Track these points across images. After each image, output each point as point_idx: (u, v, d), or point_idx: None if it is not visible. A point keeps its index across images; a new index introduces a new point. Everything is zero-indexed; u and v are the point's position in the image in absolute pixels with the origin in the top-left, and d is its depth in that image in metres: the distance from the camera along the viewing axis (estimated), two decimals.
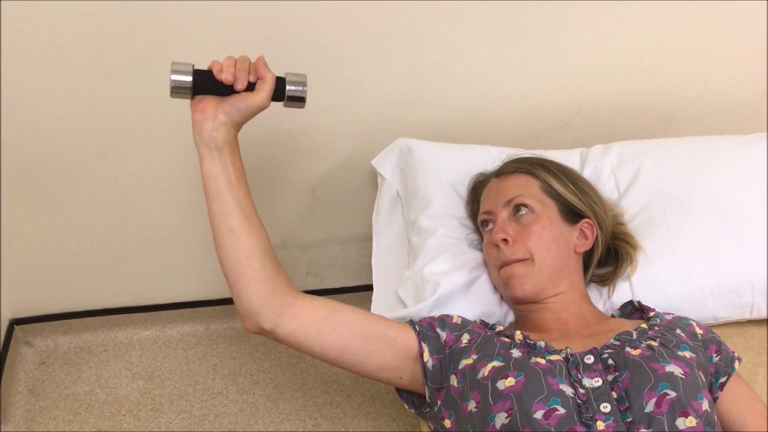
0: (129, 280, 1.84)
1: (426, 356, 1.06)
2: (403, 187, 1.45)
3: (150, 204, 1.65)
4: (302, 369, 1.87)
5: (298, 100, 1.04)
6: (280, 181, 1.64)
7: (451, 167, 1.42)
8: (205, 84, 0.99)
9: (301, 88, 1.03)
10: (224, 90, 1.00)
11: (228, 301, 1.90)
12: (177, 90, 0.98)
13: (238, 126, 1.02)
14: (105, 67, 1.36)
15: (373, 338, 1.06)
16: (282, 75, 1.03)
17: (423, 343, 1.07)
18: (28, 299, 1.85)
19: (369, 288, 1.40)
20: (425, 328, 1.10)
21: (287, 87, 1.02)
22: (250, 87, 1.00)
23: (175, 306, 1.93)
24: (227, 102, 1.00)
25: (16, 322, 1.89)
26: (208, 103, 1.00)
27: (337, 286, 1.96)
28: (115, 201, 1.63)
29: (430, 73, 1.46)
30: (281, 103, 1.05)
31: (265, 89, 0.99)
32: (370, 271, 1.42)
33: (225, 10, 1.29)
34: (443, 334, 1.09)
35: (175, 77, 0.97)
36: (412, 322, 1.11)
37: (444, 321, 1.12)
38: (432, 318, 1.13)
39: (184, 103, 1.43)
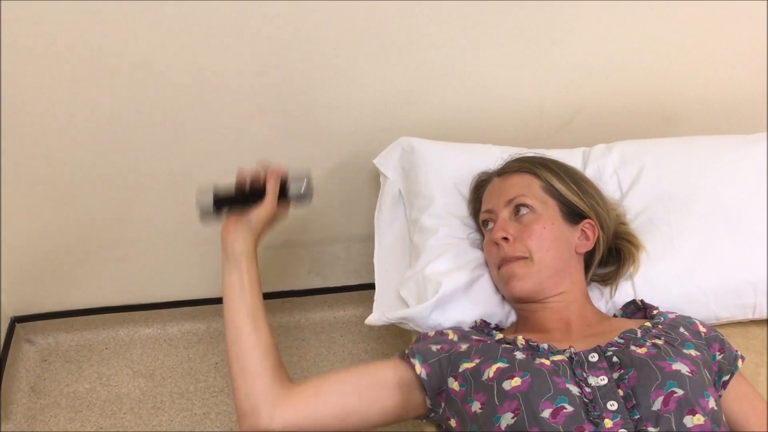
0: (130, 278, 1.84)
1: (418, 368, 1.06)
2: (405, 186, 1.45)
3: (151, 203, 1.65)
4: (303, 368, 1.88)
5: (302, 198, 1.16)
6: None
7: (453, 166, 1.41)
8: (226, 202, 1.14)
9: (300, 186, 1.15)
10: (240, 205, 1.13)
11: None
12: (204, 215, 1.15)
13: (256, 235, 1.14)
14: (107, 66, 1.36)
15: (366, 388, 1.07)
16: (287, 176, 1.16)
17: (412, 360, 1.08)
18: (29, 297, 1.85)
19: (370, 287, 1.40)
20: (415, 348, 1.10)
21: (288, 191, 1.16)
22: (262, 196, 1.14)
23: (176, 304, 1.93)
24: (246, 215, 1.13)
25: (17, 320, 1.89)
26: (232, 220, 1.14)
27: (338, 284, 1.96)
28: (117, 199, 1.63)
29: (431, 72, 1.46)
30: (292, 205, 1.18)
31: (268, 197, 1.13)
32: (372, 269, 1.42)
33: (226, 10, 1.29)
34: (437, 346, 1.10)
35: (201, 203, 1.14)
36: (401, 354, 1.11)
37: (438, 339, 1.13)
38: (426, 337, 1.14)
39: (185, 106, 1.44)
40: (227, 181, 1.16)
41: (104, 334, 1.95)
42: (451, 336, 1.13)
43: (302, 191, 1.15)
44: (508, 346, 1.07)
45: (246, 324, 1.08)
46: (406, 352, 1.10)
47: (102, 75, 1.37)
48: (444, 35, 1.40)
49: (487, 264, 1.27)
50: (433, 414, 1.10)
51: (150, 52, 1.35)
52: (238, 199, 1.13)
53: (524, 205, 1.18)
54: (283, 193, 1.15)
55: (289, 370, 1.82)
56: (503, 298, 1.27)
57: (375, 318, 1.27)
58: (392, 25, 1.36)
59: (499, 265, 1.19)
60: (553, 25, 1.42)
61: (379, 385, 1.07)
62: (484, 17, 1.37)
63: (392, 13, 1.34)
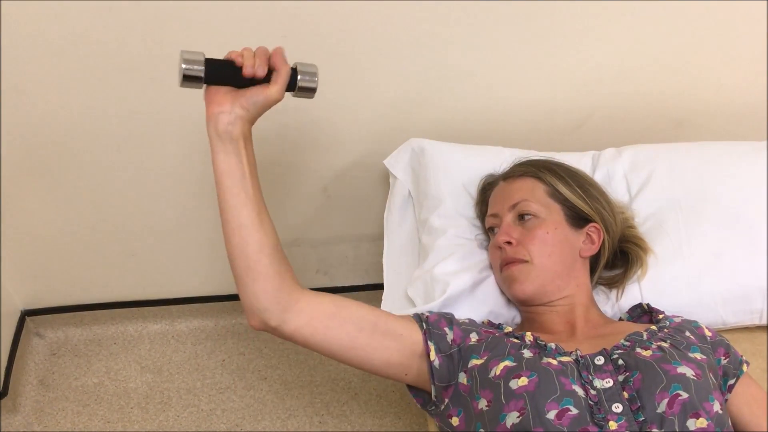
0: (140, 274, 1.85)
1: (432, 355, 1.06)
2: (415, 187, 1.45)
3: (162, 198, 1.66)
4: (310, 366, 1.88)
5: (309, 91, 1.03)
6: (292, 178, 1.65)
7: (463, 168, 1.42)
8: (218, 73, 0.97)
9: (311, 79, 1.02)
10: (238, 80, 0.98)
11: (237, 297, 1.90)
12: (188, 78, 0.95)
13: (253, 120, 1.00)
14: (121, 62, 1.37)
15: (380, 333, 1.05)
16: (292, 65, 1.02)
17: (429, 342, 1.07)
18: (39, 291, 1.86)
19: (379, 287, 1.40)
20: (431, 325, 1.09)
21: (298, 77, 1.01)
22: (266, 79, 0.98)
23: (184, 301, 1.94)
24: (244, 95, 0.97)
25: (27, 313, 1.90)
26: (225, 96, 0.98)
27: (346, 284, 1.96)
28: (128, 195, 1.64)
29: (442, 73, 1.46)
30: (290, 94, 1.04)
31: (280, 81, 0.97)
32: (380, 269, 1.42)
33: (243, 7, 1.30)
34: (450, 333, 1.09)
35: (186, 66, 0.94)
36: (419, 318, 1.10)
37: (451, 319, 1.13)
38: (440, 314, 1.13)
39: (197, 98, 1.44)
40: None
41: (113, 329, 1.96)
42: (463, 318, 1.14)
43: (315, 83, 1.03)
44: (516, 341, 1.07)
45: (251, 219, 0.98)
46: (424, 326, 1.08)
47: (117, 69, 1.38)
48: (456, 37, 1.40)
49: (491, 266, 1.28)
50: (433, 407, 1.10)
51: (166, 48, 1.36)
52: (235, 75, 0.97)
53: (528, 210, 1.19)
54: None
55: (295, 369, 1.85)
56: (509, 299, 1.27)
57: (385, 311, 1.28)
58: (404, 26, 1.37)
59: (501, 268, 1.20)
60: (567, 29, 1.42)
61: (393, 337, 1.06)
62: (497, 19, 1.38)
63: (404, 14, 1.35)
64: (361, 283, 1.96)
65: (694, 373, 0.98)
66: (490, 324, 1.19)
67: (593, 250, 1.21)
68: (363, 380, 1.83)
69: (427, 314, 1.12)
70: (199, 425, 1.75)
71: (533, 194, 1.21)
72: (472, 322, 1.14)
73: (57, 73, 1.38)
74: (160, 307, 1.95)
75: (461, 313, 1.23)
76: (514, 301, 1.23)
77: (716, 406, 0.96)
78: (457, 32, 1.39)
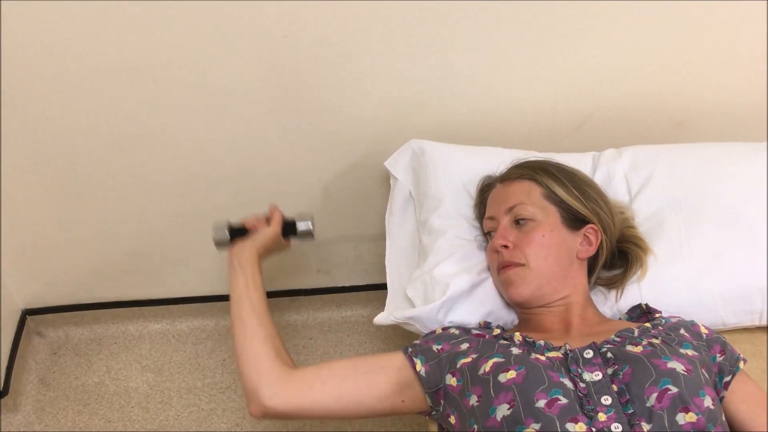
0: (141, 273, 1.86)
1: (419, 367, 1.09)
2: (416, 187, 1.46)
3: (163, 199, 1.66)
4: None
5: (307, 235, 1.38)
6: (293, 178, 1.65)
7: (463, 169, 1.42)
8: (236, 234, 1.35)
9: (306, 226, 1.37)
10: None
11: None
12: (219, 244, 1.36)
13: (259, 251, 1.28)
14: (123, 64, 1.37)
15: (362, 374, 1.10)
16: (290, 218, 1.38)
17: (414, 358, 1.10)
18: (40, 290, 1.87)
19: (379, 287, 1.41)
20: (418, 347, 1.12)
21: (297, 225, 1.38)
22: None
23: (185, 300, 1.95)
24: (251, 236, 1.32)
25: (28, 313, 1.91)
26: (239, 241, 1.31)
27: (347, 284, 1.97)
28: (130, 195, 1.64)
29: (443, 74, 1.47)
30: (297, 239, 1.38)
31: (274, 223, 1.34)
32: (381, 269, 1.43)
33: (244, 8, 1.30)
34: (437, 346, 1.12)
35: (217, 234, 1.35)
36: (404, 349, 1.14)
37: (440, 336, 1.15)
38: (428, 338, 1.15)
39: (199, 104, 1.45)
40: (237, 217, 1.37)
41: (114, 329, 1.96)
42: (453, 330, 1.16)
43: (310, 228, 1.37)
44: (505, 342, 1.09)
45: (250, 317, 1.17)
46: (410, 350, 1.12)
47: (120, 71, 1.38)
48: (456, 37, 1.40)
49: (489, 268, 1.28)
50: (434, 412, 1.11)
51: (169, 50, 1.36)
52: (246, 231, 1.34)
53: (524, 213, 1.19)
54: (289, 229, 1.37)
55: None
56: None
57: (383, 317, 1.29)
58: (404, 26, 1.37)
59: (498, 271, 1.20)
60: (567, 29, 1.42)
61: (376, 373, 1.10)
62: (497, 20, 1.38)
63: (404, 14, 1.35)
64: (361, 283, 1.96)
65: (684, 368, 0.99)
66: (481, 326, 1.20)
67: (591, 251, 1.21)
68: None
69: (415, 342, 1.15)
70: (200, 425, 1.76)
71: (529, 197, 1.21)
72: (462, 331, 1.16)
73: (57, 73, 1.38)
74: (161, 306, 1.95)
75: (460, 315, 1.24)
76: (512, 303, 1.23)
77: (707, 402, 0.97)
78: (457, 33, 1.40)
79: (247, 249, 1.27)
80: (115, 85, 1.41)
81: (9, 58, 1.34)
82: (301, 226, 1.37)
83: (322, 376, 1.10)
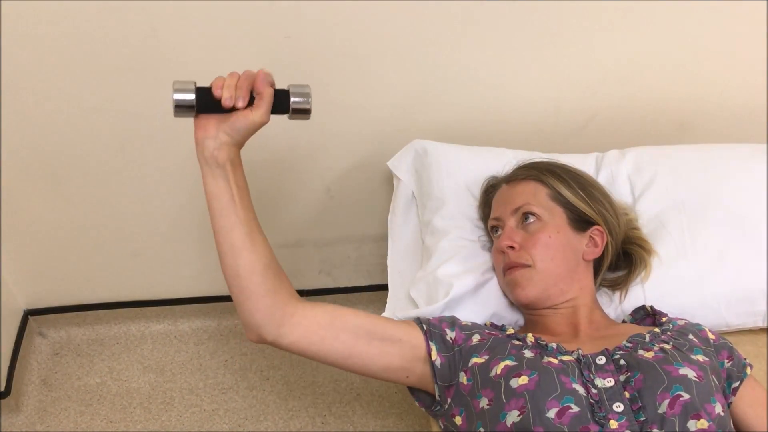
0: (143, 273, 1.85)
1: (434, 355, 1.07)
2: (418, 188, 1.45)
3: (166, 199, 1.66)
4: (312, 366, 1.88)
5: (303, 112, 1.01)
6: (295, 179, 1.65)
7: (466, 169, 1.42)
8: (209, 102, 0.97)
9: (304, 100, 1.00)
10: (226, 108, 0.97)
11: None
12: (180, 109, 0.97)
13: (240, 144, 1.00)
14: (125, 62, 1.37)
15: (377, 340, 1.07)
16: (285, 87, 1.01)
17: (430, 342, 1.08)
18: (42, 290, 1.86)
19: (381, 288, 1.41)
20: (433, 326, 1.11)
21: (291, 99, 1.00)
22: (251, 103, 0.97)
23: (187, 301, 1.94)
24: (228, 121, 0.97)
25: (30, 313, 1.90)
26: (209, 121, 0.98)
27: (349, 285, 1.96)
28: (132, 195, 1.64)
29: (446, 74, 1.47)
30: (286, 116, 1.03)
31: (263, 106, 0.96)
32: (383, 270, 1.43)
33: (246, 8, 1.30)
34: (452, 333, 1.10)
35: (177, 96, 0.96)
36: (419, 321, 1.12)
37: (453, 321, 1.14)
38: (441, 317, 1.14)
39: None
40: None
41: (116, 329, 1.96)
42: (465, 321, 1.15)
43: (308, 104, 1.01)
44: (517, 342, 1.08)
45: (241, 240, 0.99)
46: (425, 327, 1.10)
47: (122, 69, 1.38)
48: (460, 38, 1.40)
49: (494, 269, 1.28)
50: (438, 408, 1.10)
51: (171, 48, 1.36)
52: (219, 103, 0.97)
53: (530, 214, 1.19)
54: (278, 103, 1.00)
55: (297, 369, 1.85)
56: (512, 302, 1.27)
57: (385, 316, 1.28)
58: (407, 27, 1.37)
59: (504, 272, 1.20)
60: (570, 30, 1.42)
61: (392, 342, 1.07)
62: (501, 21, 1.38)
63: (410, 14, 1.35)
64: (363, 284, 1.96)
65: (696, 375, 0.98)
66: (493, 326, 1.19)
67: (596, 252, 1.21)
68: (365, 381, 1.83)
69: (429, 318, 1.13)
70: (202, 425, 1.76)
71: (536, 198, 1.21)
72: (474, 324, 1.15)
73: (58, 73, 1.38)
74: (163, 307, 1.95)
75: (464, 315, 1.23)
76: (517, 304, 1.23)
77: (718, 408, 0.97)
78: (460, 34, 1.40)
79: (224, 144, 0.97)
80: (116, 85, 1.41)
81: (9, 57, 1.34)
82: (298, 100, 1.00)
83: (336, 327, 1.04)
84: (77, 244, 1.75)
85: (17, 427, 1.75)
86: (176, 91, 0.96)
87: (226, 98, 0.94)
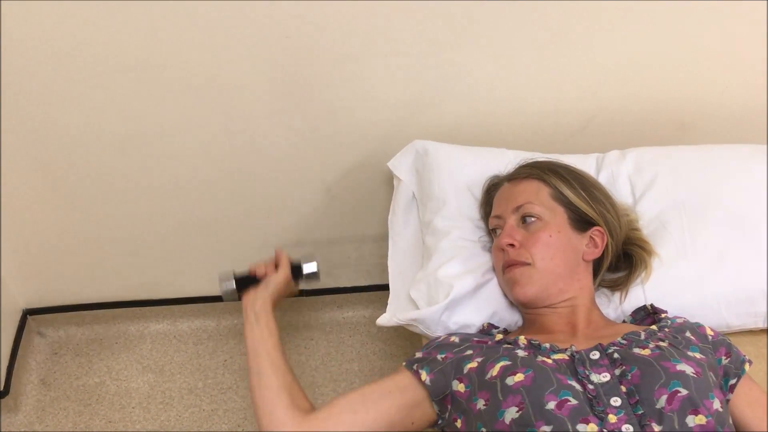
0: (142, 273, 1.85)
1: (424, 377, 1.09)
2: (419, 188, 1.45)
3: (165, 199, 1.66)
4: (312, 367, 1.88)
5: (314, 277, 1.35)
6: (296, 179, 1.65)
7: (467, 169, 1.42)
8: (245, 282, 1.29)
9: (312, 268, 1.34)
10: (257, 282, 1.29)
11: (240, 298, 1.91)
12: (227, 294, 1.30)
13: (272, 299, 1.25)
14: (125, 64, 1.37)
15: (372, 403, 1.09)
16: (295, 263, 1.34)
17: (420, 371, 1.10)
18: (41, 290, 1.86)
19: (381, 288, 1.41)
20: (422, 360, 1.12)
21: (302, 267, 1.34)
22: None
23: (186, 301, 1.94)
24: (262, 283, 1.28)
25: (29, 312, 1.90)
26: (251, 291, 1.27)
27: (348, 285, 1.96)
28: (131, 195, 1.64)
29: (447, 75, 1.47)
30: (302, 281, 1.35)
31: (283, 267, 1.30)
32: (383, 270, 1.43)
33: (246, 9, 1.30)
34: (441, 355, 1.11)
35: (224, 285, 1.29)
36: (408, 363, 1.13)
37: (441, 345, 1.14)
38: (430, 346, 1.15)
39: (202, 104, 1.45)
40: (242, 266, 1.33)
41: (115, 329, 1.96)
42: (453, 339, 1.15)
43: (316, 270, 1.34)
44: (509, 345, 1.09)
45: (266, 367, 1.15)
46: (414, 366, 1.11)
47: (123, 71, 1.38)
48: (462, 38, 1.40)
49: (494, 268, 1.28)
50: (441, 420, 1.11)
51: (173, 49, 1.36)
52: (254, 278, 1.30)
53: (531, 213, 1.19)
54: (294, 273, 1.33)
55: (296, 369, 1.83)
56: (512, 302, 1.27)
57: (386, 318, 1.29)
58: (409, 28, 1.37)
59: (504, 270, 1.20)
60: (571, 31, 1.42)
61: (385, 399, 1.09)
62: (501, 21, 1.38)
63: (411, 15, 1.35)
64: (363, 284, 1.96)
65: (693, 371, 0.99)
66: (481, 333, 1.20)
67: (596, 253, 1.21)
68: (365, 381, 1.82)
69: (417, 354, 1.15)
70: (201, 425, 1.76)
71: (537, 197, 1.21)
72: (463, 338, 1.15)
73: (59, 73, 1.38)
74: (162, 306, 1.95)
75: (464, 316, 1.24)
76: (516, 303, 1.23)
77: (716, 404, 0.97)
78: (460, 34, 1.40)
79: (260, 298, 1.24)
80: (116, 86, 1.41)
81: (9, 58, 1.34)
82: (307, 268, 1.35)
83: (335, 414, 1.09)
84: (76, 243, 1.75)
85: (16, 427, 1.75)
86: (221, 281, 1.29)
87: (261, 274, 1.30)
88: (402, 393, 1.10)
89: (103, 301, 1.91)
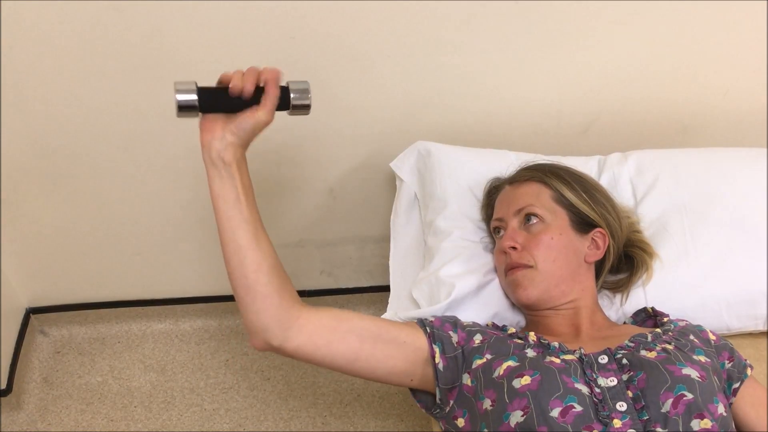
0: (144, 273, 1.86)
1: (438, 357, 1.07)
2: (421, 189, 1.46)
3: (168, 198, 1.67)
4: (313, 367, 1.88)
5: (303, 108, 1.02)
6: (298, 179, 1.65)
7: (469, 170, 1.42)
8: (211, 100, 0.98)
9: (304, 95, 1.01)
10: (231, 105, 0.98)
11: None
12: (184, 109, 0.96)
13: (245, 144, 1.01)
14: (129, 62, 1.38)
15: (382, 343, 1.06)
16: (284, 84, 1.01)
17: (434, 345, 1.08)
18: (44, 289, 1.87)
19: (382, 288, 1.41)
20: (436, 328, 1.10)
21: (291, 96, 1.01)
22: (256, 100, 0.98)
23: (189, 300, 1.95)
24: (234, 122, 0.98)
25: (32, 311, 1.91)
26: (215, 123, 0.99)
27: (350, 285, 1.97)
28: (134, 194, 1.65)
29: (450, 76, 1.47)
30: (286, 112, 1.04)
31: (268, 104, 0.98)
32: (384, 271, 1.43)
33: (251, 9, 1.31)
34: (455, 335, 1.10)
35: (180, 96, 0.96)
36: (422, 323, 1.11)
37: (456, 321, 1.14)
38: (444, 317, 1.15)
39: None
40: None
41: (117, 328, 1.96)
42: (467, 322, 1.15)
43: (308, 100, 1.02)
44: (519, 341, 1.08)
45: (247, 240, 0.99)
46: (428, 330, 1.10)
47: (126, 70, 1.39)
48: (465, 39, 1.40)
49: (496, 269, 1.28)
50: (438, 410, 1.10)
51: (175, 49, 1.36)
52: (227, 100, 0.98)
53: (533, 215, 1.19)
54: (280, 102, 1.00)
55: (298, 370, 1.85)
56: (514, 303, 1.27)
57: (387, 318, 1.29)
58: (412, 28, 1.37)
59: (506, 272, 1.20)
60: (573, 33, 1.42)
61: (396, 345, 1.07)
62: (506, 22, 1.38)
63: (415, 16, 1.35)
64: (365, 285, 1.96)
65: (698, 375, 0.99)
66: (494, 326, 1.20)
67: (598, 255, 1.21)
68: (366, 382, 1.84)
69: (431, 319, 1.13)
70: (202, 425, 1.76)
71: (539, 199, 1.21)
72: (476, 324, 1.15)
73: (60, 72, 1.38)
74: (165, 306, 1.95)
75: (466, 316, 1.24)
76: (519, 305, 1.24)
77: (721, 408, 0.97)
78: (463, 35, 1.40)
79: (229, 144, 0.98)
80: (119, 85, 1.41)
81: (10, 57, 1.35)
82: (298, 97, 1.01)
83: (342, 330, 1.03)
84: (79, 242, 1.75)
85: (18, 425, 1.75)
86: (178, 91, 0.96)
87: (233, 86, 0.95)
88: (413, 351, 1.07)
89: (106, 301, 1.92)
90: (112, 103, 1.45)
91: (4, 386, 1.75)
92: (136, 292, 1.91)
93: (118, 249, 1.78)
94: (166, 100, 1.45)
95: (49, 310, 1.91)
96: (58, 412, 1.78)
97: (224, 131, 0.98)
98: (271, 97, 0.97)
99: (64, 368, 1.88)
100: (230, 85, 0.96)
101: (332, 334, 1.03)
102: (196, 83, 0.96)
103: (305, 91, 1.01)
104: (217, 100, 0.98)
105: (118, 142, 1.53)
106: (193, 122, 1.49)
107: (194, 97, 0.96)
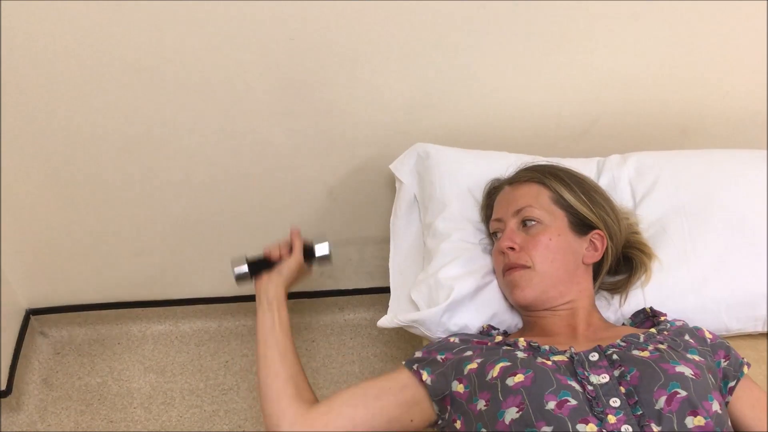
0: (144, 274, 1.86)
1: (425, 377, 1.09)
2: (421, 191, 1.46)
3: (169, 200, 1.67)
4: (313, 368, 1.89)
5: (326, 260, 1.35)
6: (298, 181, 1.66)
7: (468, 172, 1.42)
8: (258, 266, 1.30)
9: (324, 250, 1.34)
10: (272, 265, 1.29)
11: (241, 299, 1.92)
12: (240, 279, 1.29)
13: (285, 284, 1.27)
14: (131, 64, 1.38)
15: (372, 399, 1.09)
16: (307, 243, 1.33)
17: (421, 371, 1.10)
18: (44, 290, 1.87)
19: (382, 290, 1.41)
20: (423, 360, 1.12)
21: (315, 249, 1.34)
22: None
23: (188, 302, 1.95)
24: (276, 269, 1.28)
25: (32, 312, 1.91)
26: (264, 275, 1.28)
27: (350, 287, 1.97)
28: (134, 196, 1.65)
29: (449, 78, 1.47)
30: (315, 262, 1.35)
31: (296, 251, 1.30)
32: (384, 272, 1.43)
33: (251, 11, 1.31)
34: (441, 356, 1.12)
35: (237, 269, 1.29)
36: (408, 363, 1.14)
37: (442, 346, 1.15)
38: (430, 347, 1.16)
39: (205, 106, 1.45)
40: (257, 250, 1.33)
41: (117, 329, 1.96)
42: (453, 340, 1.16)
43: (327, 252, 1.34)
44: (508, 347, 1.09)
45: (274, 356, 1.17)
46: (415, 365, 1.12)
47: (129, 72, 1.39)
48: (465, 41, 1.40)
49: (494, 271, 1.29)
50: (441, 421, 1.11)
51: (178, 50, 1.36)
52: (268, 262, 1.30)
53: (532, 216, 1.20)
54: (307, 254, 1.32)
55: None
56: (512, 304, 1.28)
57: (387, 320, 1.29)
58: (411, 30, 1.37)
59: (504, 273, 1.21)
60: (573, 35, 1.42)
61: (385, 396, 1.10)
62: (503, 24, 1.38)
63: (414, 18, 1.35)
64: (365, 287, 1.96)
65: (692, 373, 0.99)
66: (482, 333, 1.20)
67: (596, 256, 1.21)
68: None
69: (418, 354, 1.15)
70: (202, 426, 1.76)
71: (537, 200, 1.21)
72: (463, 339, 1.16)
73: (61, 73, 1.38)
74: (164, 307, 1.96)
75: (465, 318, 1.24)
76: (516, 306, 1.24)
77: (715, 406, 0.97)
78: (463, 37, 1.40)
79: (273, 284, 1.25)
80: (120, 87, 1.42)
81: (11, 58, 1.35)
82: (319, 250, 1.34)
83: (336, 407, 1.10)
84: (79, 244, 1.75)
85: (18, 426, 1.75)
86: (234, 266, 1.29)
87: (275, 257, 1.31)
88: (402, 391, 1.10)
89: (106, 302, 1.92)
90: (113, 105, 1.45)
91: (3, 387, 1.75)
92: (135, 293, 1.91)
93: (117, 250, 1.78)
94: (164, 102, 1.45)
95: (49, 311, 1.91)
96: (58, 413, 1.78)
97: (270, 277, 1.27)
98: (296, 248, 1.31)
99: (64, 369, 1.88)
100: (273, 258, 1.30)
101: (328, 415, 1.10)
102: (245, 256, 1.30)
103: (323, 243, 1.34)
104: (263, 265, 1.30)
105: (119, 145, 1.53)
106: (192, 129, 1.50)
107: (245, 269, 1.29)
